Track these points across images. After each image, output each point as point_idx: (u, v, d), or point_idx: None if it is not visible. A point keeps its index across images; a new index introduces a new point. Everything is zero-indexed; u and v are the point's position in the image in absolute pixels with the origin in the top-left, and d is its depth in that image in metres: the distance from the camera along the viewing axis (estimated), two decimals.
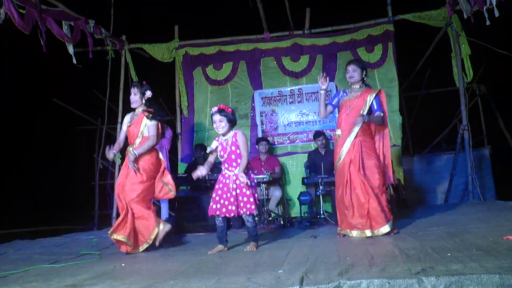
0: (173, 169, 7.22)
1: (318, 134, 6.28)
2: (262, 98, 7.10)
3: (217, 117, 3.48)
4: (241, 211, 3.47)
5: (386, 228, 3.55)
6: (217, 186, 3.61)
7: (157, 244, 3.75)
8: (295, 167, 6.83)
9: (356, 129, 3.73)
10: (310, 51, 7.06)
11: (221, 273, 2.50)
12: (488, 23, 5.52)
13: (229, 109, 3.53)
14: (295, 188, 6.62)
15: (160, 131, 3.94)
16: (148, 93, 3.93)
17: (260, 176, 5.62)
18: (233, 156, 3.50)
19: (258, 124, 7.05)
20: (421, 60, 8.15)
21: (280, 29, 7.23)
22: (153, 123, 3.84)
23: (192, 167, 6.37)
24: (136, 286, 2.30)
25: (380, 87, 6.75)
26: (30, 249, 4.22)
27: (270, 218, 5.67)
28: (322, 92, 4.00)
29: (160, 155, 4.02)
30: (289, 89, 7.07)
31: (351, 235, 3.65)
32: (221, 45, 7.26)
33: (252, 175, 3.62)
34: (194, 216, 5.23)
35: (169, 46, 7.27)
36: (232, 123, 3.52)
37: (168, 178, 4.02)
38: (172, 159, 7.89)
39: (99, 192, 8.46)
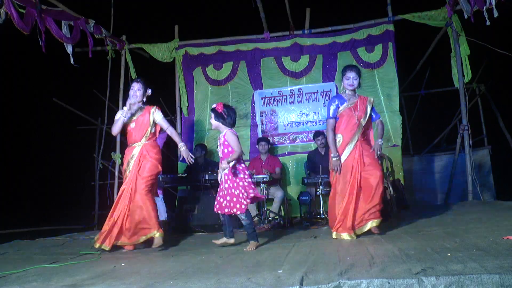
0: (173, 169, 7.23)
1: (317, 134, 6.28)
2: (262, 98, 7.10)
3: (211, 114, 3.77)
4: (232, 211, 3.59)
5: (373, 224, 3.67)
6: (220, 186, 3.78)
7: (153, 247, 3.82)
8: (295, 167, 6.83)
9: (357, 137, 3.84)
10: (310, 51, 7.06)
11: (221, 273, 2.50)
12: (488, 23, 5.52)
13: (219, 108, 3.67)
14: (295, 188, 6.62)
15: None
16: (149, 91, 4.02)
17: (260, 176, 5.62)
18: (221, 155, 3.70)
19: (258, 124, 7.05)
20: (421, 60, 8.15)
21: (280, 29, 7.22)
22: (162, 115, 4.03)
23: (192, 167, 6.37)
24: (136, 286, 2.31)
25: (380, 87, 6.77)
26: (30, 249, 4.22)
27: (270, 218, 5.67)
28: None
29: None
30: (289, 89, 7.06)
31: (346, 238, 3.67)
32: (221, 45, 7.26)
33: (241, 173, 3.68)
34: (194, 216, 5.23)
35: (169, 46, 7.26)
36: (220, 120, 3.68)
37: None
38: (172, 159, 7.90)
39: (99, 192, 8.45)
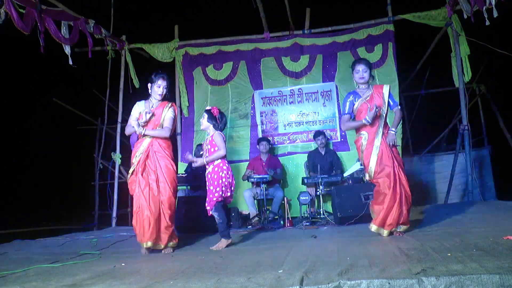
0: None
1: (318, 134, 6.28)
2: (262, 98, 7.10)
3: (204, 114, 3.91)
4: (206, 207, 3.75)
5: (405, 228, 3.62)
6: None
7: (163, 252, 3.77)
8: (295, 167, 6.83)
9: (381, 129, 3.72)
10: (310, 51, 7.06)
11: (221, 273, 2.50)
12: (488, 23, 5.52)
13: (215, 112, 3.83)
14: (295, 188, 6.62)
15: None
16: (168, 88, 4.00)
17: (260, 176, 5.62)
18: (207, 154, 3.81)
19: (258, 124, 7.05)
20: (421, 60, 8.15)
21: (280, 29, 7.22)
22: (171, 115, 3.90)
23: (192, 167, 6.37)
24: (136, 286, 2.31)
25: None
26: (30, 249, 4.22)
27: (270, 218, 5.67)
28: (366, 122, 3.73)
29: None
30: (289, 89, 7.06)
31: (381, 233, 3.61)
32: (221, 45, 7.26)
33: (220, 171, 3.73)
34: (194, 216, 5.22)
35: (169, 46, 7.26)
36: (212, 122, 3.84)
37: None
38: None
39: (99, 192, 8.45)
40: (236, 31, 7.36)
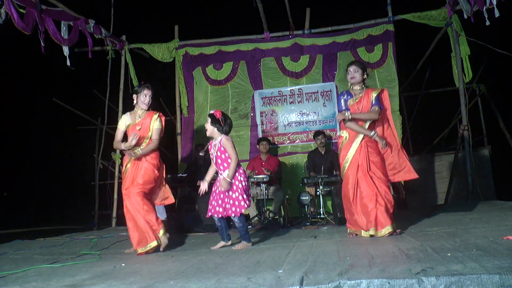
0: (173, 169, 7.22)
1: (317, 133, 6.29)
2: (262, 98, 7.10)
3: (207, 120, 3.73)
4: (229, 212, 3.60)
5: (388, 229, 3.55)
6: (213, 189, 3.77)
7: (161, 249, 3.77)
8: (295, 167, 6.83)
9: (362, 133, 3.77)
10: (310, 51, 7.06)
11: (221, 273, 2.50)
12: (488, 23, 5.53)
13: (218, 114, 3.67)
14: (295, 188, 6.62)
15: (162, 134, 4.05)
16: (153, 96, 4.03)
17: (260, 176, 5.62)
18: (219, 161, 3.66)
19: (258, 124, 7.05)
20: (421, 60, 8.15)
21: (280, 29, 7.23)
22: (158, 127, 3.93)
23: (192, 167, 6.38)
24: (136, 286, 2.30)
25: (380, 87, 6.76)
26: (30, 249, 4.21)
27: (270, 218, 5.67)
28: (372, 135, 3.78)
29: None
30: (289, 89, 7.07)
31: (359, 234, 3.69)
32: (221, 45, 7.26)
33: (240, 176, 3.66)
34: (194, 216, 5.23)
35: (169, 46, 7.26)
36: (216, 126, 3.67)
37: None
38: (172, 159, 7.90)
39: (99, 192, 8.46)
40: (236, 31, 7.37)
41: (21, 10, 4.85)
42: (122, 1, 6.82)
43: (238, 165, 3.69)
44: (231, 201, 3.59)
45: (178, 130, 7.34)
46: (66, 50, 5.76)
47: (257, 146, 6.51)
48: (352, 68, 3.89)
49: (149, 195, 3.91)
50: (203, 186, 3.72)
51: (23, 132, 10.17)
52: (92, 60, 6.39)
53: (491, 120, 8.74)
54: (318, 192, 5.62)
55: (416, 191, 7.94)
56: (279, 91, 7.08)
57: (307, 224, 5.18)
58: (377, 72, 6.81)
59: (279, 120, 7.02)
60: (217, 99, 7.09)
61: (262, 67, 7.14)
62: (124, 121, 4.00)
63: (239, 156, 6.87)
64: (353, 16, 7.17)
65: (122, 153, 6.85)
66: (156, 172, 3.92)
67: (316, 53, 7.04)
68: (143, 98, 3.92)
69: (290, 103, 7.04)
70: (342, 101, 3.92)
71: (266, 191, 5.65)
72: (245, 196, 3.61)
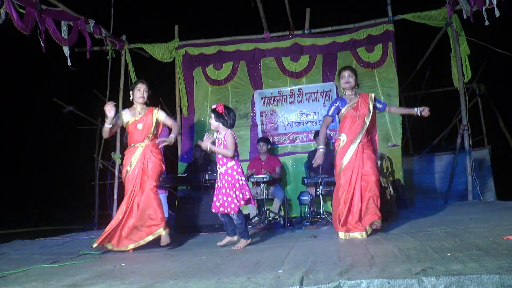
0: (173, 169, 7.23)
1: (318, 133, 6.28)
2: (262, 98, 7.10)
3: (211, 115, 3.76)
4: (226, 210, 3.62)
5: (373, 225, 3.65)
6: (215, 185, 3.80)
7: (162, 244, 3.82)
8: (295, 167, 6.83)
9: (360, 137, 3.84)
10: (310, 51, 7.06)
11: (221, 273, 2.50)
12: (487, 23, 5.53)
13: (220, 109, 3.69)
14: (295, 188, 6.62)
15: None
16: (149, 91, 4.08)
17: (260, 176, 5.62)
18: (219, 155, 3.71)
19: (258, 124, 7.05)
20: (421, 60, 8.16)
21: (280, 29, 7.23)
22: (165, 114, 4.05)
23: (192, 167, 6.38)
24: (136, 286, 2.30)
25: (380, 87, 6.78)
26: (30, 249, 4.21)
27: (270, 218, 5.67)
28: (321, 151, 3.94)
29: None
30: (289, 89, 7.07)
31: (348, 237, 3.68)
32: (221, 45, 7.26)
33: (233, 172, 3.67)
34: (194, 216, 5.22)
35: (169, 46, 7.26)
36: (220, 120, 3.70)
37: None
38: (172, 159, 7.90)
39: (99, 192, 8.46)
40: (236, 31, 7.36)
41: (21, 10, 4.86)
42: (122, 1, 6.81)
43: (238, 164, 3.71)
44: (225, 198, 3.62)
45: None
46: (66, 50, 5.77)
47: (257, 146, 6.51)
48: (346, 73, 3.95)
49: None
50: (204, 143, 3.70)
51: (23, 132, 10.17)
52: (92, 60, 6.39)
53: (491, 120, 8.74)
54: (318, 192, 5.62)
55: (416, 191, 7.95)
56: (279, 91, 7.08)
57: (307, 224, 5.18)
58: (377, 72, 6.81)
59: (279, 120, 7.03)
60: (217, 99, 7.09)
61: (262, 67, 7.14)
62: (124, 117, 4.05)
63: (239, 156, 6.88)
64: (353, 16, 7.17)
65: (122, 152, 6.89)
66: (163, 166, 4.00)
67: (316, 53, 7.04)
68: (137, 92, 4.00)
69: (290, 103, 7.04)
70: (333, 107, 3.98)
71: (266, 191, 5.65)
72: (238, 193, 3.61)
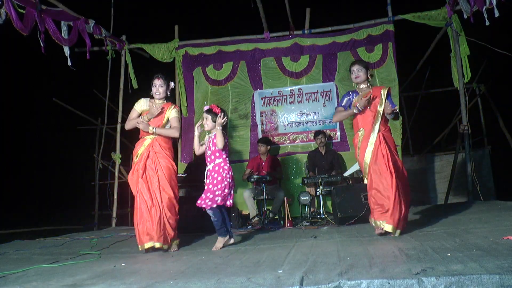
0: None
1: (318, 133, 6.29)
2: (262, 98, 7.10)
3: (204, 115, 3.77)
4: (201, 203, 3.67)
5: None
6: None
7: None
8: (295, 167, 6.83)
9: (377, 125, 3.72)
10: (310, 51, 7.06)
11: (221, 273, 2.50)
12: (487, 23, 5.53)
13: (217, 109, 3.71)
14: (295, 188, 6.62)
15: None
16: (172, 84, 4.00)
17: (260, 176, 5.62)
18: (209, 152, 3.76)
19: (258, 124, 7.05)
20: (421, 60, 8.15)
21: (280, 29, 7.22)
22: (176, 115, 3.93)
23: (192, 167, 6.38)
24: (136, 286, 2.30)
25: None
26: (30, 249, 4.21)
27: (270, 218, 5.67)
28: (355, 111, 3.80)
29: None
30: (289, 89, 7.06)
31: (384, 228, 3.52)
32: (221, 45, 7.25)
33: (220, 169, 3.69)
34: (194, 216, 5.21)
35: (169, 46, 7.26)
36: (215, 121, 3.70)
37: None
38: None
39: (99, 192, 8.46)
40: (236, 31, 7.36)
41: (21, 11, 4.85)
42: (122, 1, 6.81)
43: (226, 161, 3.72)
44: (208, 194, 3.64)
45: None
46: (67, 50, 5.77)
47: (257, 146, 6.51)
48: (355, 68, 3.90)
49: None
50: (198, 129, 3.79)
51: (23, 132, 10.18)
52: (92, 60, 6.39)
53: (491, 120, 8.74)
54: (318, 192, 5.62)
55: (416, 191, 7.95)
56: (279, 91, 7.08)
57: (307, 224, 5.18)
58: (377, 72, 6.80)
59: (279, 120, 7.02)
60: (217, 99, 7.09)
61: (262, 67, 7.14)
62: (140, 105, 4.00)
63: (239, 156, 6.87)
64: (353, 16, 7.17)
65: (122, 153, 6.90)
66: (174, 166, 3.91)
67: (316, 53, 7.04)
68: (153, 88, 3.93)
69: (290, 103, 7.04)
70: (346, 99, 3.93)
71: (266, 191, 5.65)
72: (219, 192, 3.62)
